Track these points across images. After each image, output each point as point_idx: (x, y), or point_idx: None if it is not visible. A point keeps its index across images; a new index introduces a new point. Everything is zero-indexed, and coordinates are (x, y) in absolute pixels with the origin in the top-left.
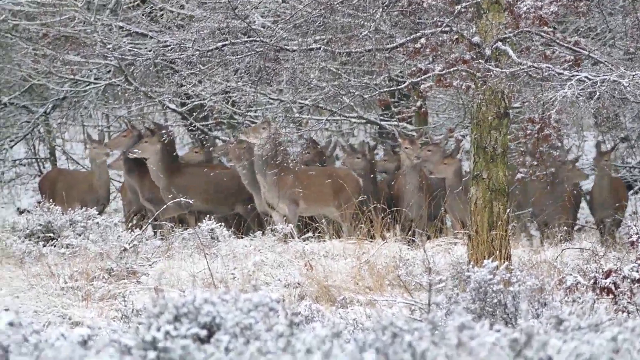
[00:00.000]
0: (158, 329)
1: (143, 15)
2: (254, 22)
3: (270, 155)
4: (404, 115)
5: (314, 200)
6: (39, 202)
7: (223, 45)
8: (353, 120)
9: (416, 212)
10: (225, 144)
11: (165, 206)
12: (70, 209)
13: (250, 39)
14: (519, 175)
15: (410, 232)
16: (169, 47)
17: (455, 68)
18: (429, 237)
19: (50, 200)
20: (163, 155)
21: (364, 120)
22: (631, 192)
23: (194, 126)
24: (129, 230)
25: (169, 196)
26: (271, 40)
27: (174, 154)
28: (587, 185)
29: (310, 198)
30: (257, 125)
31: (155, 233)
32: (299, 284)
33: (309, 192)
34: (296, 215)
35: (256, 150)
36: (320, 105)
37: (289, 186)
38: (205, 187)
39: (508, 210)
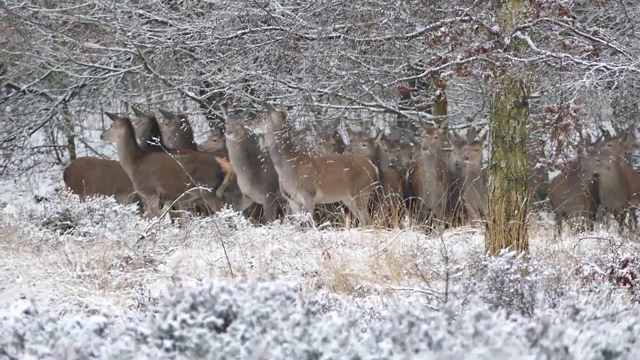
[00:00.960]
0: (174, 318)
1: (163, 3)
2: (274, 10)
3: (287, 144)
4: (423, 104)
5: (331, 189)
6: (57, 190)
7: (243, 34)
8: (372, 108)
9: (435, 201)
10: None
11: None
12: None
13: (270, 27)
14: (537, 165)
15: (427, 221)
16: (189, 35)
17: (474, 57)
18: (446, 226)
19: (81, 189)
20: (127, 140)
21: (383, 109)
22: None
23: (213, 114)
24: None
25: (137, 182)
26: (291, 29)
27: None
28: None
29: (327, 186)
30: (261, 116)
31: (172, 221)
32: (316, 272)
33: (326, 181)
34: (313, 205)
35: (266, 141)
36: (339, 93)
37: (306, 175)
38: (168, 173)
39: (526, 199)
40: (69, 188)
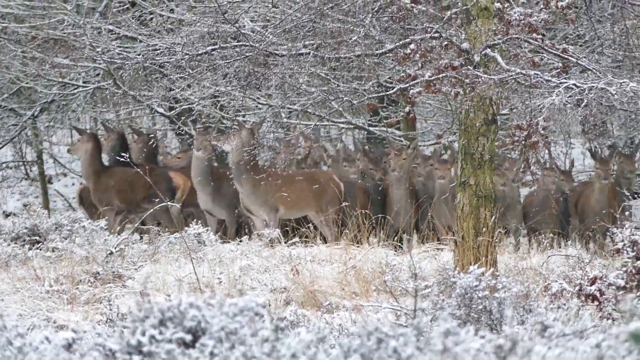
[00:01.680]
0: (143, 333)
1: (132, 18)
2: (244, 26)
3: (246, 160)
4: (392, 120)
5: (295, 205)
6: (25, 205)
7: (212, 50)
8: (341, 125)
9: (403, 219)
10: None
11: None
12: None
13: (240, 43)
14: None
15: (397, 238)
16: (158, 51)
17: (444, 74)
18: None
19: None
20: (93, 156)
21: (353, 126)
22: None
23: (182, 131)
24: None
25: (97, 196)
26: (260, 45)
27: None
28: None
29: (290, 203)
30: (229, 132)
31: (141, 237)
32: (285, 288)
33: (289, 197)
34: (277, 221)
35: (232, 157)
36: (308, 110)
37: (268, 192)
38: (125, 188)
39: (494, 216)
40: (84, 209)
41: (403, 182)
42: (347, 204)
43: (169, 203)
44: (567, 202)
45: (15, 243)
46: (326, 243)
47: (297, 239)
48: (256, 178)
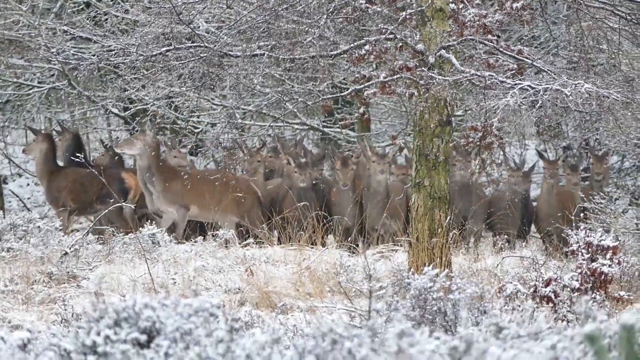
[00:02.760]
0: (98, 334)
1: (87, 19)
2: (199, 27)
3: (153, 162)
4: (346, 122)
5: (208, 205)
6: None
7: (167, 51)
8: (296, 126)
9: (352, 220)
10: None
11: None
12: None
13: (194, 44)
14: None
15: (350, 239)
16: (113, 52)
17: (398, 75)
18: (369, 245)
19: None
20: (47, 156)
21: (307, 127)
22: None
23: (137, 131)
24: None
25: (51, 197)
26: (215, 46)
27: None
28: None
29: (204, 203)
30: (130, 137)
31: (97, 238)
32: (239, 289)
33: (203, 198)
34: (185, 220)
35: (139, 161)
36: (263, 111)
37: (178, 191)
38: (78, 188)
39: (448, 217)
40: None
41: (351, 190)
42: (301, 205)
43: (123, 204)
44: (527, 203)
45: None
46: (281, 244)
47: (251, 239)
48: (167, 178)
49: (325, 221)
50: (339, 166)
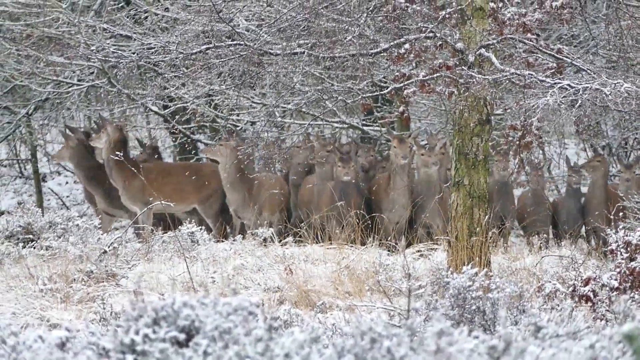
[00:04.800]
0: (136, 332)
1: (127, 17)
2: (238, 25)
3: (115, 156)
4: (386, 120)
5: (172, 197)
6: (20, 204)
7: (207, 49)
8: (335, 125)
9: (401, 215)
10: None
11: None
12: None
13: (234, 42)
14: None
15: (390, 238)
16: (153, 50)
17: (438, 74)
18: (409, 244)
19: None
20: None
21: (347, 125)
22: None
23: (176, 129)
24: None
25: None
26: (255, 44)
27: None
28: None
29: (166, 195)
30: (100, 133)
31: (136, 235)
32: (278, 288)
33: (164, 190)
34: (151, 215)
35: (102, 154)
36: (303, 109)
37: (140, 186)
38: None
39: (488, 216)
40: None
41: (406, 172)
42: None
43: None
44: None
45: (9, 241)
46: (319, 243)
47: (290, 238)
48: (128, 173)
49: (365, 219)
50: (396, 143)
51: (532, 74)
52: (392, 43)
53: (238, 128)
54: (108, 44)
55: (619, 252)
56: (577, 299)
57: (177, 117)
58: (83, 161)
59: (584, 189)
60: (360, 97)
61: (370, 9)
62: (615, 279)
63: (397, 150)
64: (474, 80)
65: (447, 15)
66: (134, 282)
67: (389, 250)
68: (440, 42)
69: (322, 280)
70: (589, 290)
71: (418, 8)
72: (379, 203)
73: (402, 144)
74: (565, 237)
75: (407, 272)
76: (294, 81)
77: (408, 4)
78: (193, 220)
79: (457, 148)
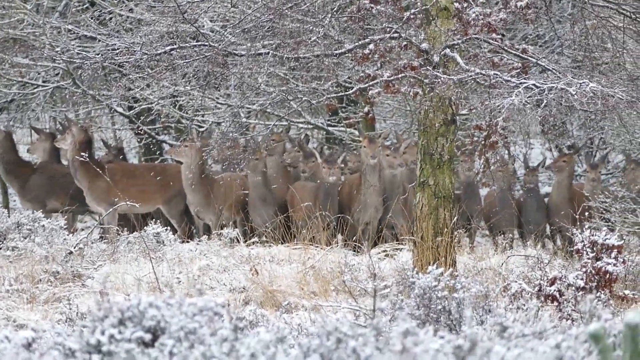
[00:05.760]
0: (102, 333)
1: (92, 18)
2: (203, 26)
3: (80, 157)
4: (351, 121)
5: (136, 198)
6: None
7: (171, 49)
8: (301, 125)
9: (373, 215)
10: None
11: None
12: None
13: (199, 43)
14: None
15: (358, 238)
16: (117, 51)
17: (403, 74)
18: (375, 244)
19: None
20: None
21: (312, 126)
22: None
23: (141, 130)
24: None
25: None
26: (220, 45)
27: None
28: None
29: (131, 197)
30: (65, 134)
31: (101, 237)
32: (244, 288)
33: (128, 191)
34: (115, 216)
35: (67, 154)
36: (268, 110)
37: (105, 187)
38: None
39: (454, 217)
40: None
41: (377, 171)
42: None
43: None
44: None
45: None
46: (285, 243)
47: (256, 238)
48: (92, 174)
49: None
50: (366, 143)
51: (497, 74)
52: (356, 43)
53: (203, 129)
54: (73, 45)
55: (585, 252)
56: (543, 299)
57: (142, 118)
58: (5, 155)
59: (548, 189)
60: (325, 97)
61: (335, 9)
62: (582, 279)
63: (367, 150)
64: (439, 80)
65: (411, 16)
66: (100, 283)
67: (354, 251)
68: (405, 43)
69: (287, 280)
70: (555, 290)
71: (382, 9)
72: (349, 203)
73: (371, 144)
74: (529, 237)
75: (372, 272)
76: (258, 82)
77: (372, 5)
78: (159, 221)
79: (422, 148)
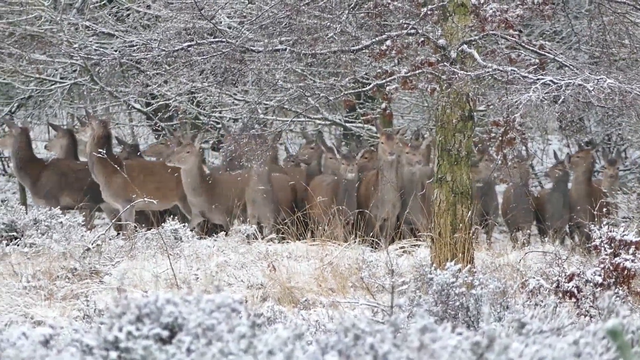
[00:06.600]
0: (120, 329)
1: (109, 14)
2: (220, 22)
3: (98, 153)
4: (368, 117)
5: (154, 194)
6: (3, 201)
7: (189, 46)
8: (318, 121)
9: (391, 211)
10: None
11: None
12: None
13: (216, 39)
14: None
15: (374, 234)
16: (135, 47)
17: (420, 70)
18: (392, 240)
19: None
20: (67, 152)
21: (329, 122)
22: None
23: (159, 126)
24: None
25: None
26: (237, 41)
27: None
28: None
29: (148, 193)
30: (85, 127)
31: (118, 233)
32: (261, 285)
33: (146, 188)
34: (133, 213)
35: (86, 149)
36: (285, 106)
37: (122, 183)
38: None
39: (471, 212)
40: None
41: (394, 168)
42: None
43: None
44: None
45: None
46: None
47: (273, 235)
48: (109, 169)
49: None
50: (384, 139)
51: (514, 70)
52: (373, 40)
53: (220, 125)
54: (90, 41)
55: (602, 248)
56: (561, 295)
57: (159, 114)
58: (20, 152)
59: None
60: (342, 93)
61: (352, 5)
62: (599, 275)
63: (385, 147)
64: (457, 76)
65: (428, 12)
66: (118, 279)
67: (372, 247)
68: (422, 39)
69: (305, 277)
70: (573, 286)
71: (399, 5)
72: (366, 200)
73: (389, 140)
74: (549, 233)
75: (390, 269)
76: (276, 78)
77: (389, 1)
78: (176, 217)
79: (439, 144)
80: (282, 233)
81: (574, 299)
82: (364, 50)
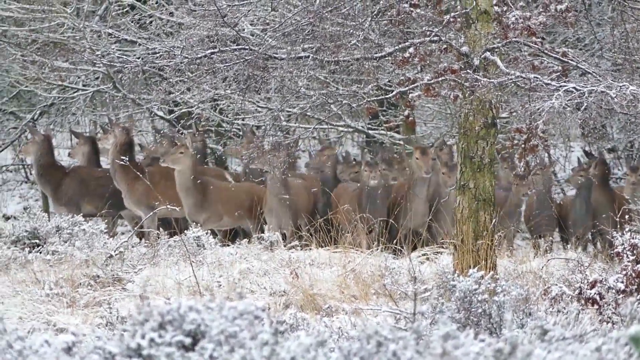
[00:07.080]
0: (143, 336)
1: (132, 22)
2: (243, 30)
3: (120, 161)
4: (391, 124)
5: (176, 202)
6: (26, 209)
7: (212, 53)
8: (340, 129)
9: (420, 224)
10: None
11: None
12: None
13: (239, 46)
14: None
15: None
16: (158, 55)
17: (443, 77)
18: (414, 247)
19: None
20: (89, 159)
21: (352, 129)
22: None
23: (182, 134)
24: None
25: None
26: (260, 49)
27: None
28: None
29: (170, 200)
30: (108, 134)
31: (140, 240)
32: (284, 292)
33: (168, 195)
34: (155, 220)
35: (110, 155)
36: (308, 113)
37: (144, 190)
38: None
39: (494, 220)
40: None
41: (426, 183)
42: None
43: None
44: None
45: (15, 246)
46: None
47: (296, 242)
48: (131, 176)
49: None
50: (419, 155)
51: (537, 77)
52: (396, 47)
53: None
54: (113, 49)
55: (625, 255)
56: (583, 302)
57: (182, 121)
58: (42, 159)
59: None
60: (365, 101)
61: (375, 12)
62: (622, 282)
63: (420, 164)
64: (479, 83)
65: (451, 19)
66: (140, 287)
67: (394, 254)
68: (445, 46)
69: (327, 284)
70: (595, 293)
71: (422, 12)
72: (393, 209)
73: (424, 157)
74: (571, 239)
75: (413, 276)
76: (299, 85)
77: (412, 8)
78: (198, 224)
79: (462, 151)
80: (305, 240)
81: (596, 306)
82: (386, 58)
